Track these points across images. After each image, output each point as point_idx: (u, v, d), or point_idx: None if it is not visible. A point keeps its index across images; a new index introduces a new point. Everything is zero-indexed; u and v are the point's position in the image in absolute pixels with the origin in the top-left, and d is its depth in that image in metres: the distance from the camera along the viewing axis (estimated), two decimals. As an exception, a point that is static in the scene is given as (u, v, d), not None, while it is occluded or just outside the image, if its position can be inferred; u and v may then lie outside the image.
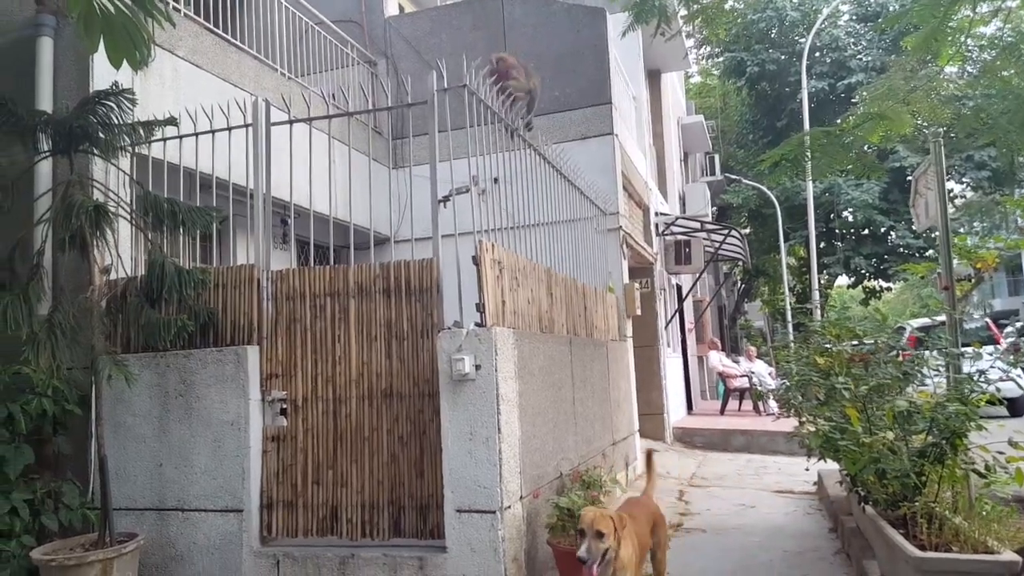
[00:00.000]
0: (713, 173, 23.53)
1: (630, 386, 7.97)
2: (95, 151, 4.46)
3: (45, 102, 4.92)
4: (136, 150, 4.78)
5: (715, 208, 27.96)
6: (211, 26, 5.86)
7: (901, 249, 24.84)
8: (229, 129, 4.61)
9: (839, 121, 6.58)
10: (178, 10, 5.64)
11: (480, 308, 3.85)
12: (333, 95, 8.37)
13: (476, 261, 3.90)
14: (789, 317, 25.80)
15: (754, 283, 34.02)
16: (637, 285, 8.24)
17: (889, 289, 30.46)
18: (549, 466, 4.55)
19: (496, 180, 5.82)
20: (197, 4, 5.97)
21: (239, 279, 4.41)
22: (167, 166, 4.83)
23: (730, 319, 31.91)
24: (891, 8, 23.84)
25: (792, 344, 4.51)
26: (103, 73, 4.75)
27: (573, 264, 6.32)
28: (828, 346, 4.03)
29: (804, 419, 3.47)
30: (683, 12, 7.10)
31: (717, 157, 23.56)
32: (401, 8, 9.44)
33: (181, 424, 4.40)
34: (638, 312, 8.09)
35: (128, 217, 4.54)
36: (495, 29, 8.32)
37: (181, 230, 4.58)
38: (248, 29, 6.82)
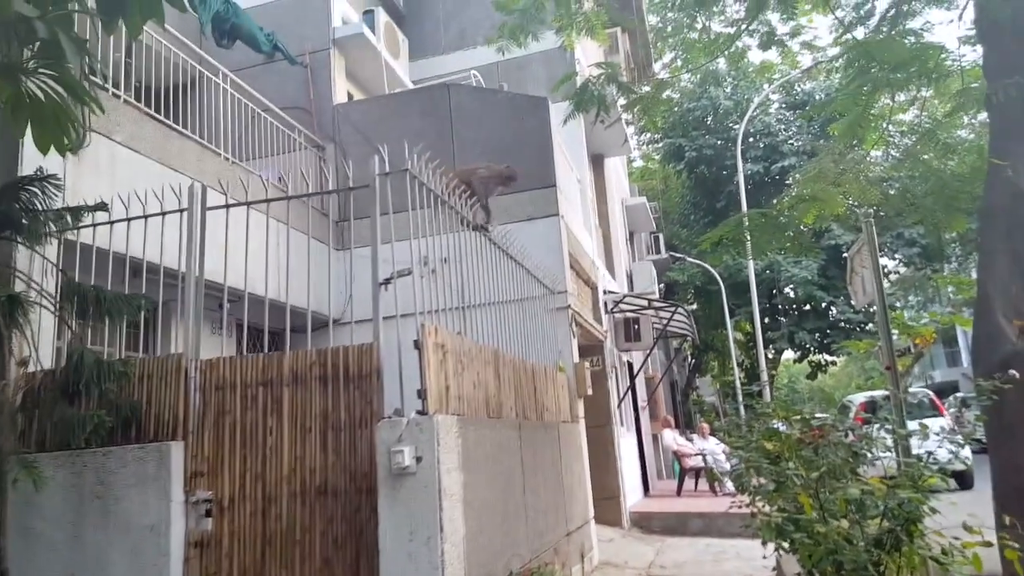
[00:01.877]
0: (658, 252, 24.15)
1: (584, 470, 7.76)
2: (17, 238, 4.24)
3: (-31, 187, 4.70)
4: (65, 236, 4.58)
5: (662, 285, 28.60)
6: (151, 112, 5.79)
7: (842, 324, 25.66)
8: (163, 214, 4.47)
9: (775, 202, 6.85)
10: (117, 96, 5.57)
11: (422, 394, 3.70)
12: (281, 178, 8.35)
13: (418, 345, 3.77)
14: (739, 393, 26.11)
15: (704, 358, 34.47)
16: (588, 363, 8.18)
17: (834, 363, 31.26)
18: (498, 565, 4.30)
19: (445, 261, 5.81)
20: (140, 90, 5.92)
21: (166, 370, 4.15)
22: (99, 252, 4.62)
23: (683, 394, 32.05)
24: (817, 97, 25.61)
25: (741, 426, 4.46)
26: (33, 158, 4.59)
27: (522, 344, 6.24)
28: (777, 425, 3.99)
29: (757, 506, 3.37)
30: (622, 101, 7.39)
31: (661, 236, 24.26)
32: (350, 96, 9.60)
33: (97, 530, 4.02)
34: (589, 392, 7.99)
35: (50, 307, 4.29)
36: (442, 116, 8.50)
37: (107, 319, 4.34)
38: (193, 114, 6.77)
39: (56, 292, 4.40)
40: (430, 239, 4.82)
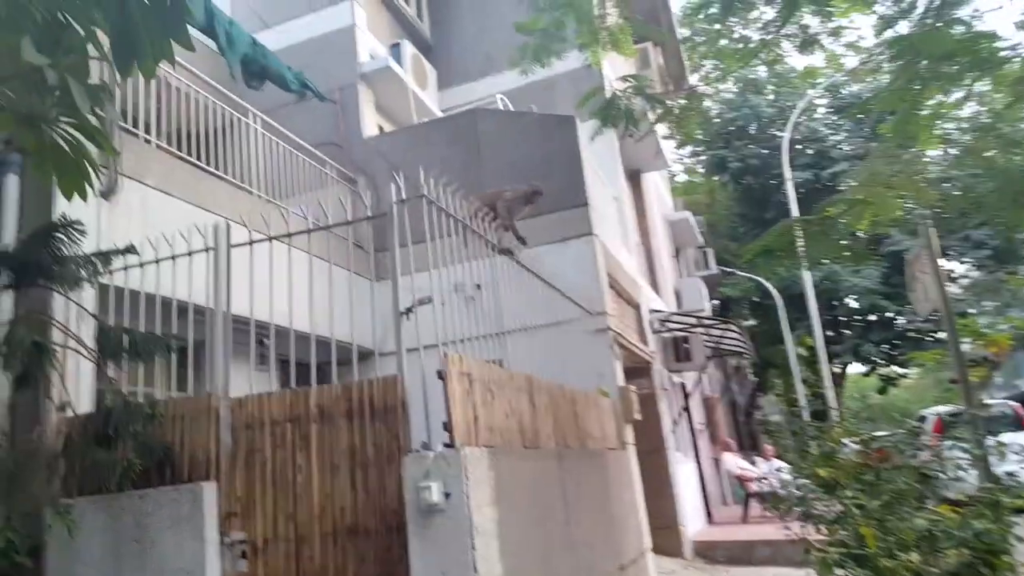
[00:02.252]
0: (708, 267, 23.53)
1: (636, 499, 7.43)
2: (51, 285, 4.31)
3: (9, 236, 4.84)
4: (101, 280, 4.64)
5: (716, 302, 27.77)
6: (182, 155, 5.89)
7: (911, 333, 24.42)
8: (191, 254, 4.48)
9: (822, 208, 6.49)
10: (148, 141, 5.69)
11: (448, 427, 3.54)
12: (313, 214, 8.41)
13: (441, 375, 3.62)
14: (804, 409, 24.97)
15: (766, 376, 33.25)
16: (634, 387, 7.88)
17: (906, 376, 29.69)
18: (540, 602, 4.06)
19: (479, 286, 5.68)
20: (179, 135, 6.05)
21: (197, 409, 4.11)
22: (134, 294, 4.67)
23: (745, 414, 30.94)
24: (865, 95, 24.78)
25: (801, 449, 4.10)
26: (65, 206, 4.69)
27: (560, 369, 6.03)
28: (846, 444, 3.64)
29: (812, 538, 3.06)
30: (651, 115, 7.20)
31: (710, 251, 23.65)
32: (381, 128, 9.68)
33: (135, 573, 3.97)
34: (638, 416, 7.68)
35: (84, 352, 4.33)
36: (469, 143, 8.46)
37: (139, 360, 4.35)
38: (228, 156, 6.90)
39: (95, 336, 4.45)
40: (458, 266, 4.72)
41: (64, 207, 4.72)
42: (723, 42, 7.93)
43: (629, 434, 7.67)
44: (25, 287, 4.29)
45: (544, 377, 5.56)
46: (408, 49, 10.04)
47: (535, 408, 4.88)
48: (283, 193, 7.46)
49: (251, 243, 4.32)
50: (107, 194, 4.93)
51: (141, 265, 4.68)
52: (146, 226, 5.22)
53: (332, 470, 3.74)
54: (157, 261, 4.65)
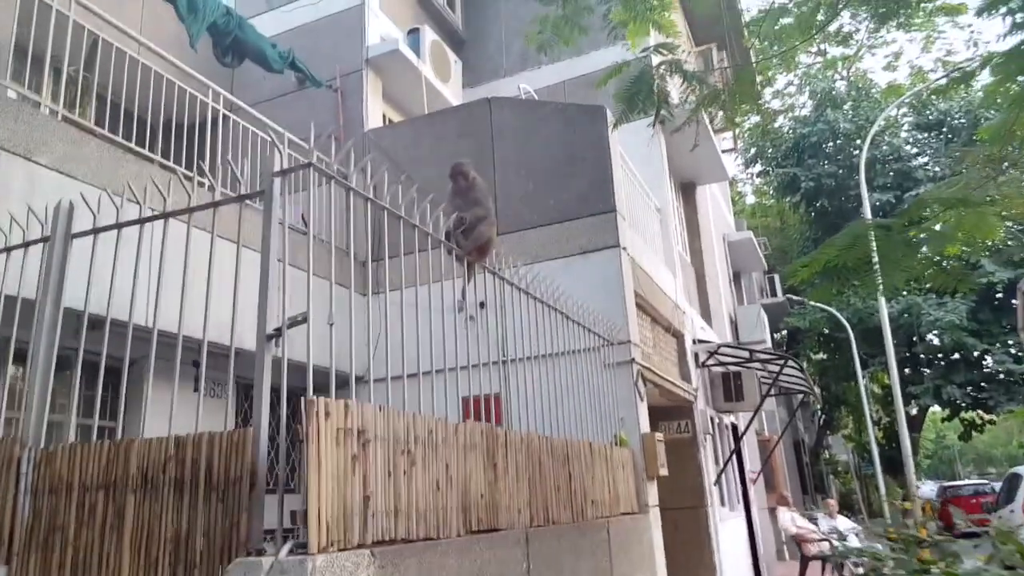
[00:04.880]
0: (774, 295, 21.57)
1: None
2: None
3: None
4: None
5: (783, 333, 25.57)
6: (96, 128, 4.88)
7: (1001, 376, 21.77)
8: (26, 245, 3.37)
9: (899, 216, 4.93)
10: (55, 113, 4.72)
11: (297, 519, 2.27)
12: (303, 215, 7.37)
13: (296, 435, 2.38)
14: (876, 455, 22.57)
15: (835, 414, 30.57)
16: (662, 433, 6.41)
17: (992, 421, 26.65)
18: None
19: (483, 305, 4.45)
20: (156, 129, 5.08)
21: (-1, 458, 2.96)
22: None
23: (811, 454, 28.40)
24: (954, 117, 22.44)
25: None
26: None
27: (558, 411, 4.69)
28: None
29: None
30: (691, 97, 5.80)
31: (777, 277, 21.68)
32: (389, 121, 8.60)
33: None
34: (663, 472, 6.21)
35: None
36: (482, 135, 7.25)
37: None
38: (212, 152, 5.90)
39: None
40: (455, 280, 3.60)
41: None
42: (786, 20, 6.50)
43: (652, 493, 6.20)
44: None
45: (532, 422, 4.26)
46: (428, 35, 8.96)
47: (497, 472, 3.55)
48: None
49: (95, 231, 3.17)
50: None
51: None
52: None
53: (148, 568, 2.51)
54: None
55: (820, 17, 6.17)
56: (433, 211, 3.81)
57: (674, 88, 5.88)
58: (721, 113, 6.47)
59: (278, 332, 2.58)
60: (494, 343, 4.22)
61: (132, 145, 4.87)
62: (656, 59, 5.62)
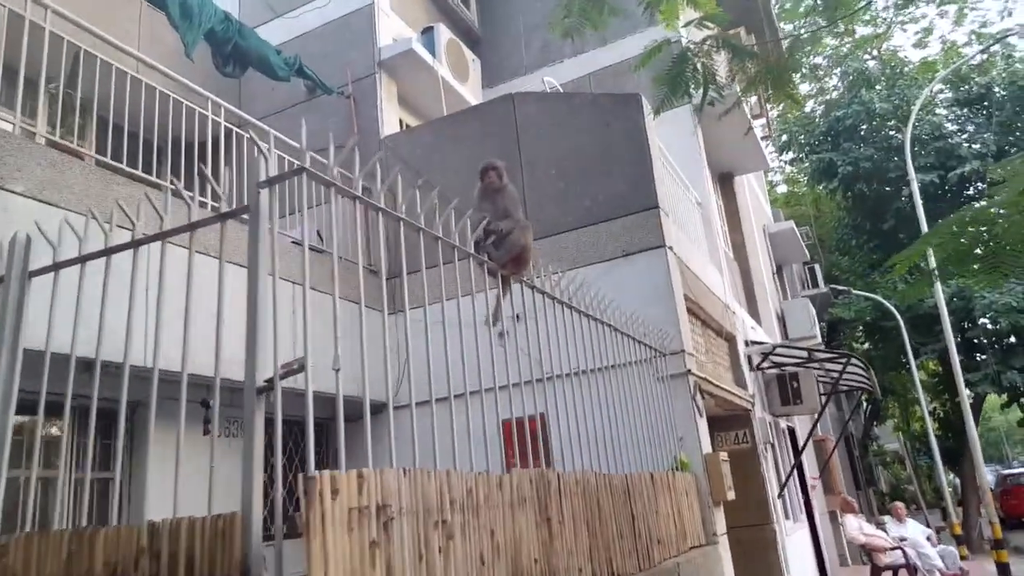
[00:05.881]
0: (816, 286, 20.60)
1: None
2: None
3: None
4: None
5: (823, 324, 24.52)
6: (82, 150, 4.42)
7: (1065, 358, 20.53)
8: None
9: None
10: (33, 134, 4.26)
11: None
12: (318, 232, 6.88)
13: (295, 521, 1.82)
14: (934, 445, 21.43)
15: (882, 403, 29.33)
16: (724, 454, 5.74)
17: (1054, 405, 25.23)
18: None
19: (518, 317, 3.89)
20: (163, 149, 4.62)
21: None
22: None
23: (860, 447, 27.24)
24: (995, 91, 21.29)
25: None
26: None
27: (608, 432, 4.09)
28: None
29: None
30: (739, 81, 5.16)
31: (818, 267, 20.72)
32: (404, 124, 8.08)
33: None
34: (730, 495, 5.55)
35: None
36: (507, 135, 6.68)
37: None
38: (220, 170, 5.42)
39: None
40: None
41: None
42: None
43: (719, 521, 5.54)
44: None
45: (600, 438, 3.67)
46: (443, 34, 8.43)
47: (552, 529, 2.96)
48: (283, 212, 5.88)
49: (56, 267, 2.66)
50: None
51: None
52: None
53: None
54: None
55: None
56: (458, 220, 3.28)
57: (721, 66, 5.27)
58: (755, 98, 5.84)
59: (270, 384, 2.03)
60: (532, 359, 3.69)
61: (122, 165, 4.38)
62: (700, 35, 5.01)
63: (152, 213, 2.73)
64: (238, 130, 5.96)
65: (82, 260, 2.61)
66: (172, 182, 2.87)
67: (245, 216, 2.52)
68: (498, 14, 10.77)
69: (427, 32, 8.43)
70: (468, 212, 3.44)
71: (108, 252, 2.55)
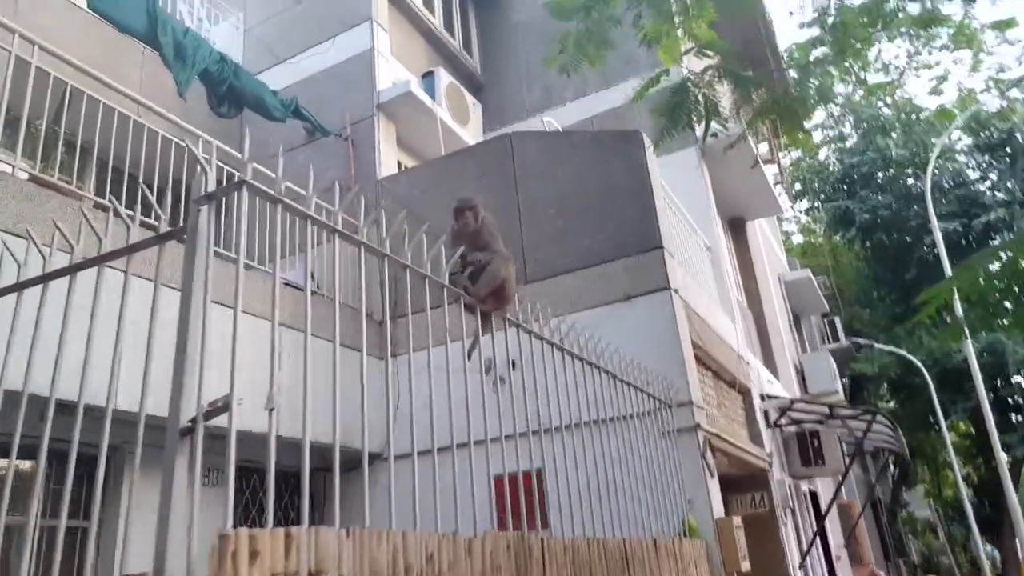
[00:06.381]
0: (836, 339, 19.93)
1: None
2: None
3: None
4: None
5: (846, 379, 23.64)
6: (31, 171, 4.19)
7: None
8: None
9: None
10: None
11: None
12: (312, 275, 6.61)
13: None
14: (970, 512, 20.24)
15: (912, 467, 28.02)
16: (737, 520, 5.21)
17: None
18: None
19: (514, 364, 3.54)
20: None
21: None
22: None
23: (888, 514, 25.88)
24: (1017, 136, 20.98)
25: None
26: None
27: (609, 489, 3.65)
28: None
29: None
30: (744, 109, 4.89)
31: (838, 319, 20.08)
32: (403, 166, 7.89)
33: None
34: (745, 566, 5.00)
35: None
36: (504, 174, 6.44)
37: None
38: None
39: None
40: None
41: None
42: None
43: (734, 594, 4.98)
44: None
45: (600, 498, 3.25)
46: (444, 78, 8.34)
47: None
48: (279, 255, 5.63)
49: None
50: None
51: None
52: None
53: None
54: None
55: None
56: (449, 256, 3.02)
57: (724, 97, 4.99)
58: (765, 146, 5.54)
59: (192, 425, 1.68)
60: (529, 410, 3.34)
61: (56, 181, 4.13)
62: (700, 65, 4.77)
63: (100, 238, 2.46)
64: (230, 168, 5.78)
65: (18, 288, 2.29)
66: (111, 200, 2.58)
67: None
68: (500, 59, 10.74)
69: (427, 76, 8.34)
70: (442, 238, 3.14)
71: (18, 287, 2.24)
